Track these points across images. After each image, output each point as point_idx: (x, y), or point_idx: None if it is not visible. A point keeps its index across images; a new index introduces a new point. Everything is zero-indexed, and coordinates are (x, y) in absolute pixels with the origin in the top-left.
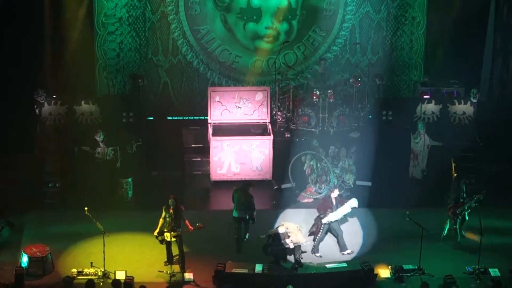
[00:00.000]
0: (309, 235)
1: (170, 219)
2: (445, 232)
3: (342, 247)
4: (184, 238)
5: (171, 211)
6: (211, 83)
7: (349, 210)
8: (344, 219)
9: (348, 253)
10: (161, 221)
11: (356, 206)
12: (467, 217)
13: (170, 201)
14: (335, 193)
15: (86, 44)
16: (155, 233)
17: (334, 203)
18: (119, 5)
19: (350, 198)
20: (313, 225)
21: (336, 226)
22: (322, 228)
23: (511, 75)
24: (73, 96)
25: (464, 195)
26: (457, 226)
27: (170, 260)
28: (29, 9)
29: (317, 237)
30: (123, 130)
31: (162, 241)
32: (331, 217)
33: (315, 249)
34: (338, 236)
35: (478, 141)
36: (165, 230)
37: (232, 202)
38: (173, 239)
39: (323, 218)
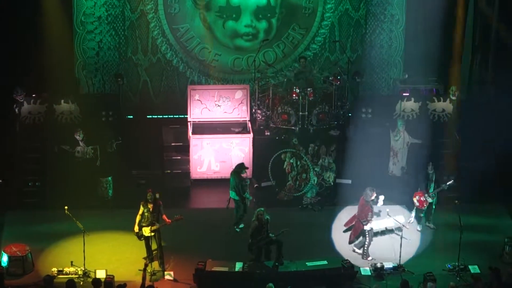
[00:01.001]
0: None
1: (148, 214)
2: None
3: (366, 254)
4: (164, 237)
5: (149, 206)
6: (191, 82)
7: (392, 225)
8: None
9: (358, 253)
10: (138, 217)
11: (402, 226)
12: (433, 208)
13: (148, 195)
14: (373, 197)
15: (65, 43)
16: (135, 229)
17: (372, 208)
18: (98, 4)
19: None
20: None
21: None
22: (367, 234)
23: (490, 72)
24: (53, 95)
25: (432, 183)
26: (423, 215)
27: (150, 256)
28: (7, 8)
29: (366, 243)
30: (103, 129)
31: (141, 237)
32: (374, 224)
33: (366, 254)
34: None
35: (457, 138)
36: (144, 225)
37: None
38: (151, 234)
39: (365, 224)
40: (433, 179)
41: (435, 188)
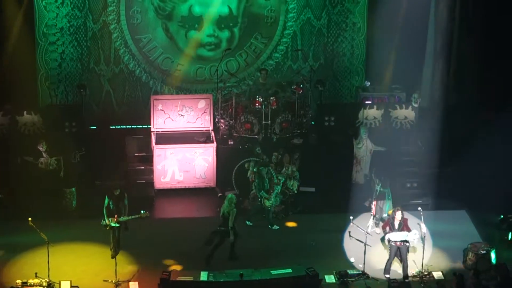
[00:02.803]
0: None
1: (113, 206)
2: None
3: (386, 269)
4: (129, 247)
5: (114, 198)
6: (154, 92)
7: (406, 237)
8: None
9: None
10: (105, 210)
11: (416, 239)
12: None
13: (116, 191)
14: (398, 216)
15: (27, 54)
16: (104, 221)
17: (396, 226)
18: (60, 15)
19: None
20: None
21: (404, 251)
22: (389, 248)
23: (451, 79)
24: (16, 106)
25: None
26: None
27: (115, 248)
28: None
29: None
30: (66, 140)
31: (107, 227)
32: (392, 236)
33: (386, 271)
34: (402, 259)
35: (420, 145)
36: (110, 216)
37: None
38: (117, 224)
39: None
40: (385, 195)
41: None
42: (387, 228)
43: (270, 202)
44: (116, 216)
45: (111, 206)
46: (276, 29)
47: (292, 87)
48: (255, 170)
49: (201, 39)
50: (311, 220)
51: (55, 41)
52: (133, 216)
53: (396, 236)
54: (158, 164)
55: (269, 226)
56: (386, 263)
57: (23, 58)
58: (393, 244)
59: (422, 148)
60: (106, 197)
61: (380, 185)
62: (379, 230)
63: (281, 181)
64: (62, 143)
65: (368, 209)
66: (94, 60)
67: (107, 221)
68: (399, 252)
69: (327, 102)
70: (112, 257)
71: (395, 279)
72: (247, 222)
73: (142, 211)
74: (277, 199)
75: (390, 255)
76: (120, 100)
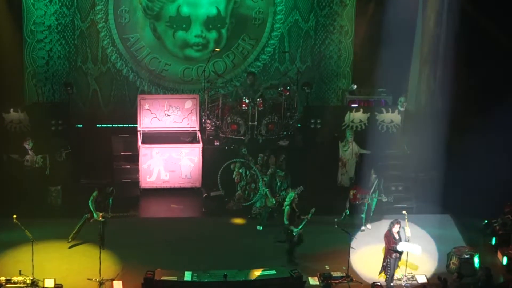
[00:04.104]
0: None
1: (101, 200)
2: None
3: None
4: (113, 246)
5: (103, 195)
6: (141, 91)
7: (409, 249)
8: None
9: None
10: (92, 204)
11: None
12: (372, 210)
13: (107, 188)
14: (396, 228)
15: (14, 52)
16: (95, 216)
17: (397, 237)
18: (48, 13)
19: None
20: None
21: (397, 261)
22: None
23: (438, 84)
24: (2, 103)
25: (374, 188)
26: (363, 216)
27: (102, 239)
28: None
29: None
30: (52, 138)
31: (89, 219)
32: (399, 247)
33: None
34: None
35: (406, 149)
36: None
37: None
38: (101, 219)
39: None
40: (375, 186)
41: (374, 195)
42: (392, 244)
43: (271, 202)
44: (103, 212)
45: (98, 198)
46: (264, 30)
47: (279, 89)
48: (240, 171)
49: (188, 40)
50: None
51: (43, 39)
52: (121, 214)
53: (404, 246)
54: (144, 163)
55: (258, 226)
56: (388, 279)
57: (10, 55)
58: (393, 256)
59: (408, 152)
60: (95, 192)
61: (375, 176)
62: (370, 225)
63: (266, 183)
64: (48, 141)
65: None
66: (81, 59)
67: (95, 215)
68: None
69: (314, 105)
70: (70, 240)
71: (378, 282)
72: (258, 227)
73: (130, 210)
74: (262, 200)
75: (391, 269)
76: (107, 99)
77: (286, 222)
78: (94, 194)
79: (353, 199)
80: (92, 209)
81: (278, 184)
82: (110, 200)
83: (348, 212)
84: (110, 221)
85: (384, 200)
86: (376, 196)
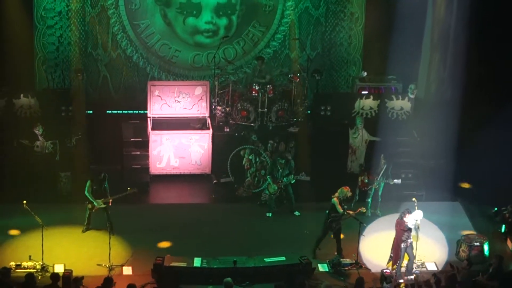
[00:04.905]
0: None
1: (97, 188)
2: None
3: (409, 270)
4: (122, 232)
5: (97, 181)
6: (151, 77)
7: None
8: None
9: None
10: (89, 194)
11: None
12: (380, 195)
13: (102, 175)
14: (407, 217)
15: (25, 37)
16: (96, 204)
17: (409, 225)
18: None
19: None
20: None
21: (410, 250)
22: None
23: (448, 71)
24: (12, 89)
25: (383, 173)
26: (369, 200)
27: (110, 225)
28: None
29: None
30: (62, 124)
31: (92, 209)
32: (412, 217)
33: (409, 272)
34: (409, 259)
35: (416, 137)
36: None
37: None
38: (103, 205)
39: (404, 245)
40: (383, 171)
41: (381, 179)
42: (405, 233)
43: (273, 188)
44: (104, 198)
45: (94, 187)
46: (274, 17)
47: (289, 75)
48: (250, 157)
49: (199, 26)
50: (305, 209)
51: (53, 25)
52: (121, 194)
53: (416, 215)
54: (153, 149)
55: (267, 213)
56: (398, 268)
57: (20, 41)
58: (403, 246)
59: (418, 139)
60: (88, 181)
61: (384, 162)
62: (379, 211)
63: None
64: (58, 127)
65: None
66: (91, 45)
67: (95, 203)
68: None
69: (324, 92)
70: (83, 232)
71: (387, 269)
72: (267, 214)
73: (128, 188)
74: (274, 186)
75: (400, 258)
76: (117, 85)
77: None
78: (88, 184)
79: (361, 185)
80: (91, 199)
81: (280, 171)
82: (106, 184)
83: (357, 198)
84: (121, 208)
85: (391, 183)
86: (384, 180)
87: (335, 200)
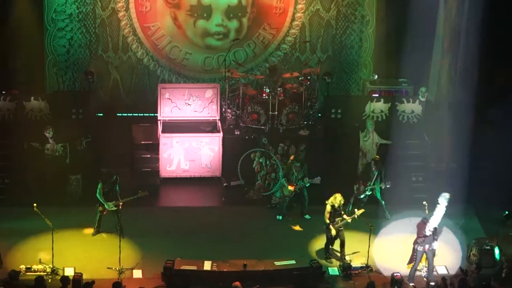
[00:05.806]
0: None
1: (108, 190)
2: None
3: (411, 277)
4: (132, 235)
5: (109, 184)
6: (161, 80)
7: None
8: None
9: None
10: (101, 196)
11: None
12: (381, 200)
13: (114, 177)
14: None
15: (35, 40)
16: (107, 206)
17: (426, 232)
18: (69, 1)
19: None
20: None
21: (430, 255)
22: (415, 255)
23: (459, 74)
24: (23, 92)
25: (374, 178)
26: (383, 203)
27: (120, 228)
28: None
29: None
30: (72, 127)
31: (103, 212)
32: (433, 222)
33: (410, 278)
34: (429, 264)
35: (427, 140)
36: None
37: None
38: (114, 208)
39: (421, 248)
40: (375, 176)
41: (376, 184)
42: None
43: (288, 191)
44: (115, 200)
45: (105, 189)
46: (285, 20)
47: (300, 78)
48: (261, 160)
49: (209, 29)
50: (316, 212)
51: (64, 27)
52: (133, 197)
53: (437, 216)
54: (164, 152)
55: (277, 216)
56: (411, 270)
57: (31, 43)
58: (420, 249)
59: (429, 143)
60: (100, 183)
61: (374, 167)
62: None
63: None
64: (69, 129)
65: None
66: (102, 47)
67: (106, 206)
68: (426, 256)
69: (334, 95)
70: (93, 235)
71: (398, 273)
72: (277, 217)
73: (140, 191)
74: (281, 190)
75: (416, 261)
76: (128, 88)
77: (326, 221)
78: (99, 186)
79: (357, 193)
80: (102, 201)
81: (295, 174)
82: (117, 187)
83: (350, 208)
84: (130, 210)
85: (383, 187)
86: (378, 185)
87: (326, 207)
